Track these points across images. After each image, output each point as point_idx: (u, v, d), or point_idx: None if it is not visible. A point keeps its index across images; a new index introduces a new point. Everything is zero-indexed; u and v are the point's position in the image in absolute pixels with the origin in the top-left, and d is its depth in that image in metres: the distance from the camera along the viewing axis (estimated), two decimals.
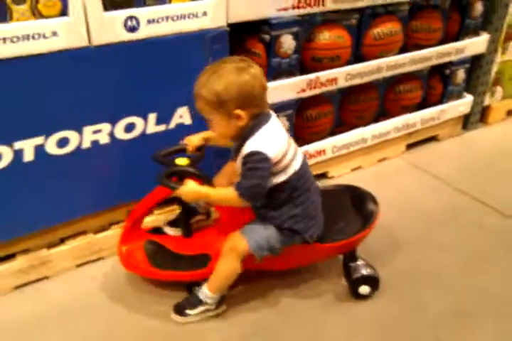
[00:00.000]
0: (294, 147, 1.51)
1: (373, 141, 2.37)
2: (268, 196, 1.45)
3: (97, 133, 1.60)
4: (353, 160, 2.37)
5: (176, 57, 1.64)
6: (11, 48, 1.36)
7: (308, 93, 2.04)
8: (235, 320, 1.58)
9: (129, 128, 1.65)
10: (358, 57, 2.15)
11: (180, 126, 1.74)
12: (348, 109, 2.28)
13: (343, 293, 1.67)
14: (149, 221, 1.79)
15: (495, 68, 2.67)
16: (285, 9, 1.83)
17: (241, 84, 1.35)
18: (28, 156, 1.51)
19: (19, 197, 1.56)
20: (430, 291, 1.70)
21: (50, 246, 1.71)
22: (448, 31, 2.41)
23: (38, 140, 1.51)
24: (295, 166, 1.47)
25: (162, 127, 1.71)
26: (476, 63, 2.60)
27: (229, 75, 1.35)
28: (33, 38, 1.38)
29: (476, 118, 2.79)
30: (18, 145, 1.48)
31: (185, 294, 1.61)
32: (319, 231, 1.56)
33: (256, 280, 1.69)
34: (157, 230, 1.73)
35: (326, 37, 1.99)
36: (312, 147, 2.17)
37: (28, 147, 1.50)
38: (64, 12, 1.42)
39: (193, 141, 1.60)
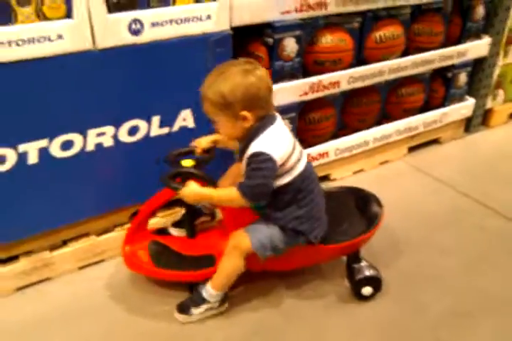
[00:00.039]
0: (299, 149, 1.51)
1: (375, 144, 2.37)
2: (272, 197, 1.45)
3: (100, 136, 1.60)
4: (356, 162, 2.38)
5: (180, 60, 1.64)
6: (16, 52, 1.36)
7: (311, 96, 2.05)
8: (236, 319, 1.58)
9: (133, 131, 1.66)
10: (360, 60, 2.15)
11: (184, 129, 1.75)
12: (350, 112, 2.28)
13: (345, 295, 1.67)
14: (152, 223, 1.79)
15: (497, 71, 2.68)
16: (288, 12, 1.83)
17: (247, 85, 1.36)
18: (33, 159, 1.52)
19: (23, 199, 1.56)
20: (432, 293, 1.70)
21: (53, 248, 1.71)
22: (450, 34, 2.41)
23: (43, 142, 1.51)
24: (300, 168, 1.48)
25: (165, 130, 1.72)
26: (478, 66, 2.61)
27: (235, 77, 1.36)
28: (39, 41, 1.38)
29: (478, 121, 2.79)
30: (22, 147, 1.48)
31: (188, 294, 1.61)
32: (323, 232, 1.57)
33: (258, 280, 1.70)
34: (162, 231, 1.74)
35: (328, 40, 1.99)
36: (315, 150, 2.18)
37: (32, 150, 1.50)
38: (69, 14, 1.42)
39: (202, 143, 1.61)
